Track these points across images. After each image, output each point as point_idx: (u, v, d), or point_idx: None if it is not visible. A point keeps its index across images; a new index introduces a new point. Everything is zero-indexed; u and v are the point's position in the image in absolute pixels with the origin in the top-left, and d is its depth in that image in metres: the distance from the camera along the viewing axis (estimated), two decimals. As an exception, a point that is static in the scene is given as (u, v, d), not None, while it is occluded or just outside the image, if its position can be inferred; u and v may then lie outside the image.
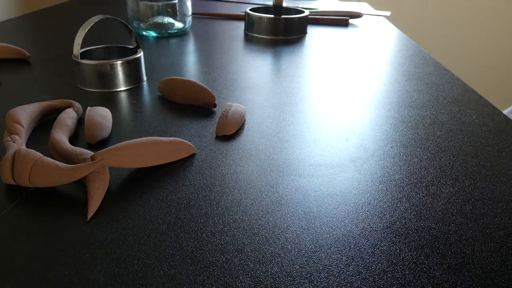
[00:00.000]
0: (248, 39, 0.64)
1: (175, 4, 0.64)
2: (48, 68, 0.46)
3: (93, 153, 0.24)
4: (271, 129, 0.33)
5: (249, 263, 0.20)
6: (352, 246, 0.21)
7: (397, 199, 0.25)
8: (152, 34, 0.64)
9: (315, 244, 0.21)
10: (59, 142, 0.27)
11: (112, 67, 0.40)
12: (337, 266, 0.20)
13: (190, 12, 0.67)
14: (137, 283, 0.18)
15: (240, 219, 0.23)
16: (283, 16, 0.65)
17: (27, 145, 0.29)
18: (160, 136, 0.29)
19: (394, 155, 0.30)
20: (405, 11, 1.48)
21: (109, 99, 0.38)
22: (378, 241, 0.21)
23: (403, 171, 0.28)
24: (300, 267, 0.19)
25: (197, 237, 0.21)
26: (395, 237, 0.22)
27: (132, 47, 0.44)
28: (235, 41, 0.63)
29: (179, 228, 0.22)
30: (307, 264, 0.20)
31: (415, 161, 0.29)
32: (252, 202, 0.24)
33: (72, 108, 0.33)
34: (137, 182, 0.26)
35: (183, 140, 0.29)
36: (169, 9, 0.64)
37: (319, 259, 0.20)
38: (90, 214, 0.22)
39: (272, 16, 0.65)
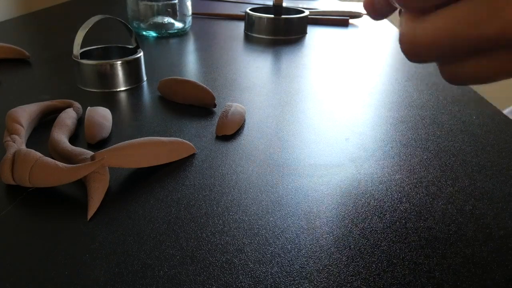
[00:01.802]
0: (248, 39, 0.64)
1: (175, 4, 0.64)
2: (48, 68, 0.46)
3: (93, 153, 0.24)
4: (271, 129, 0.33)
5: (249, 263, 0.20)
6: (352, 246, 0.21)
7: (397, 199, 0.25)
8: (152, 34, 0.64)
9: (315, 244, 0.21)
10: (59, 142, 0.27)
11: (112, 67, 0.40)
12: (337, 266, 0.20)
13: (190, 12, 0.67)
14: (137, 283, 0.18)
15: (240, 219, 0.23)
16: (283, 16, 0.65)
17: (27, 145, 0.29)
18: (160, 136, 0.29)
19: (394, 155, 0.30)
20: (405, 11, 1.47)
21: (109, 99, 0.38)
22: (378, 241, 0.21)
23: (403, 171, 0.28)
24: (300, 267, 0.19)
25: (197, 237, 0.21)
26: (395, 237, 0.22)
27: (132, 47, 0.44)
28: (235, 41, 0.63)
29: (179, 228, 0.22)
30: (307, 264, 0.20)
31: (415, 161, 0.29)
32: (252, 202, 0.24)
33: (72, 108, 0.33)
34: (137, 182, 0.26)
35: (183, 140, 0.29)
36: (169, 9, 0.64)
37: (319, 259, 0.20)
38: (90, 214, 0.22)
39: (272, 16, 0.65)
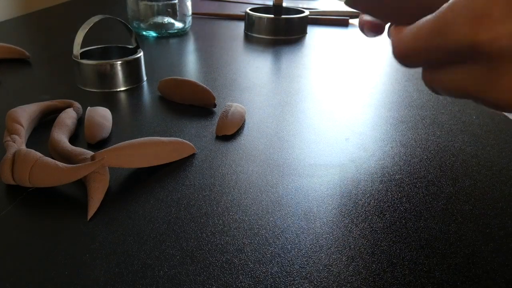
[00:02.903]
0: (248, 39, 0.64)
1: (175, 4, 0.64)
2: (48, 68, 0.46)
3: (93, 153, 0.24)
4: (271, 129, 0.33)
5: (249, 263, 0.20)
6: (352, 246, 0.21)
7: (397, 199, 0.25)
8: (152, 34, 0.64)
9: (315, 244, 0.21)
10: (59, 142, 0.27)
11: (112, 67, 0.40)
12: (337, 266, 0.20)
13: (190, 12, 0.67)
14: (137, 283, 0.18)
15: (240, 219, 0.23)
16: (283, 16, 0.65)
17: (27, 145, 0.29)
18: (160, 136, 0.29)
19: (394, 155, 0.30)
20: (405, 11, 1.47)
21: (109, 99, 0.38)
22: (378, 241, 0.21)
23: (403, 171, 0.28)
24: (300, 267, 0.19)
25: (197, 237, 0.21)
26: (395, 237, 0.22)
27: (132, 47, 0.44)
28: (235, 41, 0.63)
29: (179, 228, 0.22)
30: (307, 264, 0.20)
31: (415, 161, 0.29)
32: (252, 202, 0.24)
33: (72, 108, 0.33)
34: (137, 182, 0.26)
35: (183, 140, 0.29)
36: (169, 9, 0.64)
37: (319, 259, 0.20)
38: (90, 214, 0.22)
39: (272, 16, 0.65)
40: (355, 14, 0.81)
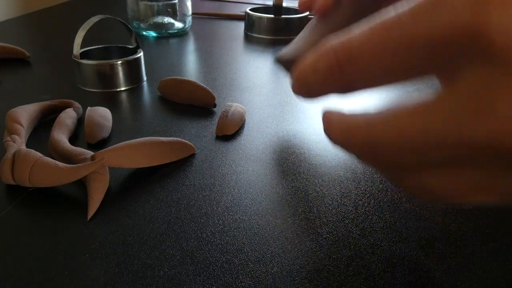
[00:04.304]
0: (248, 39, 0.64)
1: (175, 4, 0.64)
2: (48, 68, 0.46)
3: (93, 153, 0.24)
4: (271, 129, 0.33)
5: (249, 263, 0.20)
6: (352, 246, 0.21)
7: (397, 199, 0.25)
8: (152, 34, 0.64)
9: (315, 244, 0.21)
10: (59, 142, 0.27)
11: (112, 67, 0.40)
12: (337, 266, 0.20)
13: (190, 12, 0.67)
14: (137, 283, 0.18)
15: (240, 219, 0.23)
16: (283, 16, 0.65)
17: (27, 145, 0.29)
18: (160, 136, 0.29)
19: (394, 155, 0.30)
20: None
21: (109, 99, 0.38)
22: (378, 241, 0.21)
23: (403, 171, 0.28)
24: (300, 267, 0.19)
25: (197, 237, 0.21)
26: (395, 237, 0.22)
27: (132, 47, 0.44)
28: (235, 41, 0.63)
29: (179, 228, 0.22)
30: (307, 264, 0.20)
31: (415, 161, 0.29)
32: (252, 202, 0.24)
33: (72, 108, 0.33)
34: (137, 182, 0.26)
35: (183, 140, 0.29)
36: (169, 9, 0.64)
37: (319, 259, 0.20)
38: (90, 214, 0.22)
39: (272, 16, 0.65)
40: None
